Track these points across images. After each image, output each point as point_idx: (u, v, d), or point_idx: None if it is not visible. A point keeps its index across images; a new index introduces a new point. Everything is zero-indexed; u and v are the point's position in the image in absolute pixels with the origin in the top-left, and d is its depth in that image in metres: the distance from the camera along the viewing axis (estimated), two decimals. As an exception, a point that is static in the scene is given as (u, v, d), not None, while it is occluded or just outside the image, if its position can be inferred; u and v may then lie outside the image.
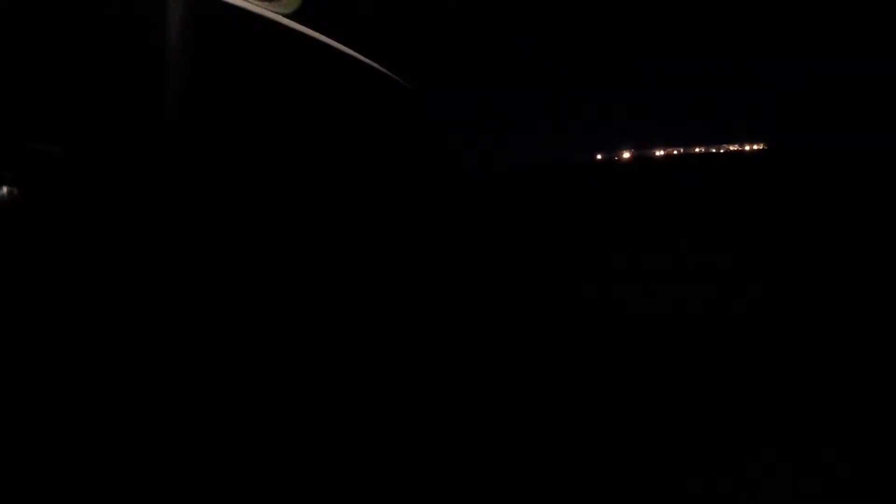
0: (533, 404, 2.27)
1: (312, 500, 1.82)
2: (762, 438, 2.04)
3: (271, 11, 2.32)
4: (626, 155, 5.25)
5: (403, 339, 2.43)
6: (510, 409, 2.22)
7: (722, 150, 4.78)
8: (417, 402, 2.14)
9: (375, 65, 2.67)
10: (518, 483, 1.85)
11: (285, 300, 2.26)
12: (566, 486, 1.86)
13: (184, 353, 1.94)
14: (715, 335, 2.83)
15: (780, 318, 3.01)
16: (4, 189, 1.89)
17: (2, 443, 1.57)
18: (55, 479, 1.58)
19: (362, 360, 2.24)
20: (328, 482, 1.84)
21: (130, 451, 1.69)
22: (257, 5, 2.28)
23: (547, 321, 3.07)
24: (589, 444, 2.05)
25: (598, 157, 5.40)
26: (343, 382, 2.13)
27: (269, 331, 2.15)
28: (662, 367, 2.57)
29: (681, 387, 2.39)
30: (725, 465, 1.93)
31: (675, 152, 5.06)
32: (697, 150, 4.96)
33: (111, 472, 1.64)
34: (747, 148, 4.70)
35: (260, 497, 1.77)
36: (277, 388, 2.04)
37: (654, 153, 5.09)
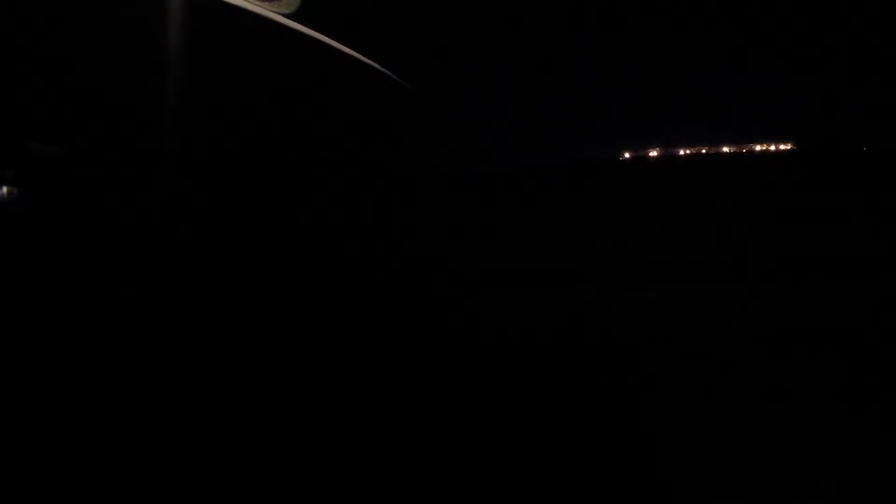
0: (534, 405, 2.23)
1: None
2: (764, 443, 1.98)
3: (271, 11, 2.31)
4: (653, 153, 5.18)
5: (402, 339, 2.41)
6: (511, 411, 2.19)
7: (745, 150, 4.68)
8: (413, 404, 2.12)
9: (375, 65, 2.65)
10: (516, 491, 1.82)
11: (282, 301, 2.27)
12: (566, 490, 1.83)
13: (185, 353, 1.96)
14: (739, 336, 2.77)
15: (804, 321, 2.94)
16: (4, 189, 1.92)
17: (2, 442, 1.60)
18: (55, 478, 1.60)
19: (360, 360, 2.24)
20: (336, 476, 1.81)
21: (129, 451, 1.70)
22: (257, 5, 2.28)
23: (560, 321, 3.03)
24: (589, 449, 2.02)
25: (626, 154, 5.36)
26: (339, 385, 2.13)
27: (269, 331, 2.16)
28: (684, 368, 2.51)
29: (693, 387, 2.33)
30: (726, 469, 1.88)
31: (703, 151, 4.96)
32: (725, 149, 4.86)
33: (111, 472, 1.66)
34: (773, 148, 4.59)
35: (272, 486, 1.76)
36: (278, 386, 2.04)
37: (680, 152, 5.01)
